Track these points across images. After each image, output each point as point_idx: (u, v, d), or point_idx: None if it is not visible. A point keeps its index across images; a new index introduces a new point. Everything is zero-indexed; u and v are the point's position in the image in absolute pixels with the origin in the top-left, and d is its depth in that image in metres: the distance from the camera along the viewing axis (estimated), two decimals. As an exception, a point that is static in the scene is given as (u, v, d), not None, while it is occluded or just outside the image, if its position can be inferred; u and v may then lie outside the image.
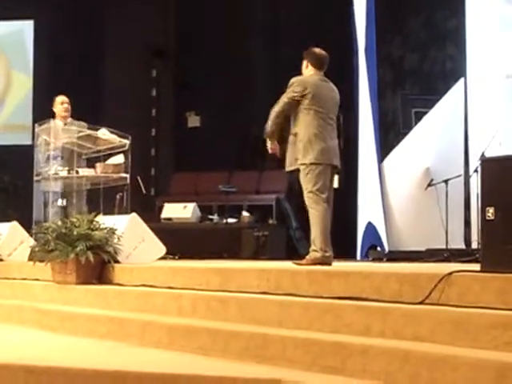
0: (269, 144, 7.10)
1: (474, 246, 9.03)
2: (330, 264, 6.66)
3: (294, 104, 6.96)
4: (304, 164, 6.91)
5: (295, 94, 6.94)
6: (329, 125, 7.05)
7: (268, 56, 13.89)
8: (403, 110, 11.62)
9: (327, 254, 6.73)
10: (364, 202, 10.92)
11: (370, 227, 10.67)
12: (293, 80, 7.03)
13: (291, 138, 7.02)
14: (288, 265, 6.61)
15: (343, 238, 10.85)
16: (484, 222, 4.48)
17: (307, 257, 6.76)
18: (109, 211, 8.67)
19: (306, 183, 6.87)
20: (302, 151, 6.91)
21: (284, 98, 7.00)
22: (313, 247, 6.76)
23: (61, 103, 9.06)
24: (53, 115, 9.03)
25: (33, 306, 6.82)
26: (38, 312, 6.60)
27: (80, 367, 4.58)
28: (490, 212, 4.40)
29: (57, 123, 8.83)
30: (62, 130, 8.49)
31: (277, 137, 7.09)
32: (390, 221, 10.48)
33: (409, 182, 10.45)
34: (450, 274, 4.37)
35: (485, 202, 4.49)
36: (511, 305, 4.05)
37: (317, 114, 6.96)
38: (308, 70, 7.12)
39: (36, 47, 15.65)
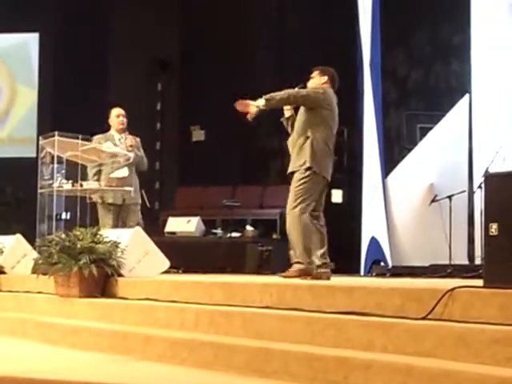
0: (255, 105, 6.93)
1: (478, 261, 9.02)
2: (311, 275, 6.65)
3: (314, 103, 6.97)
4: (309, 169, 6.90)
5: (320, 96, 6.97)
6: (333, 144, 7.11)
7: (273, 70, 13.93)
8: (408, 126, 11.64)
9: (311, 266, 6.72)
10: (368, 217, 10.92)
11: (374, 242, 10.67)
12: (321, 86, 7.07)
13: (301, 139, 6.97)
14: (292, 279, 6.62)
15: (347, 252, 10.86)
16: (487, 238, 4.48)
17: (290, 269, 6.76)
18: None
19: (300, 189, 6.86)
20: (311, 155, 6.89)
21: (310, 91, 7.03)
22: (295, 259, 6.77)
23: (116, 116, 8.99)
24: (108, 128, 9.03)
25: (36, 319, 6.81)
26: (41, 325, 6.60)
27: (83, 381, 4.58)
28: (494, 228, 4.41)
29: (113, 134, 8.93)
30: (68, 143, 8.49)
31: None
32: (394, 236, 10.48)
33: (413, 197, 10.45)
34: (453, 289, 4.37)
35: (488, 218, 4.49)
36: (514, 321, 4.05)
37: (331, 130, 7.06)
38: (325, 83, 7.17)
39: (41, 60, 15.71)
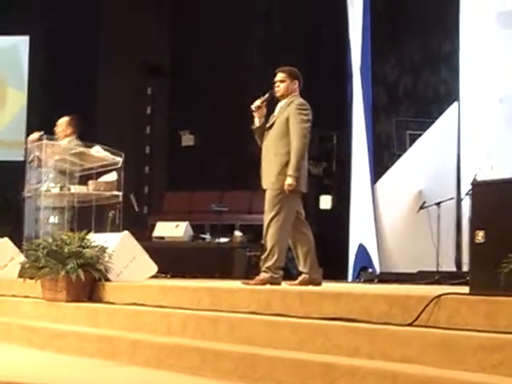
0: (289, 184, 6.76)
1: (466, 268, 9.05)
2: (279, 284, 6.66)
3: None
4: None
5: (310, 116, 6.86)
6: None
7: (263, 76, 13.92)
8: (397, 132, 11.67)
9: (276, 275, 6.73)
10: (356, 223, 10.94)
11: (362, 249, 10.69)
12: (304, 102, 6.89)
13: (282, 157, 6.82)
14: (280, 285, 6.64)
15: (335, 259, 10.87)
16: (473, 245, 4.50)
17: (257, 277, 6.75)
18: (100, 229, 8.67)
19: (281, 206, 6.79)
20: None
21: (304, 125, 6.81)
22: (264, 268, 6.76)
23: None
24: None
25: (22, 323, 6.78)
26: (27, 329, 6.57)
27: (68, 385, 4.57)
28: (480, 235, 4.42)
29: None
30: (56, 146, 8.48)
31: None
32: (382, 242, 10.50)
33: (401, 204, 10.48)
34: (439, 296, 4.38)
35: (474, 226, 4.51)
36: (499, 328, 4.06)
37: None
38: (295, 90, 6.98)
39: (31, 63, 15.68)
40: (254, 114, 7.04)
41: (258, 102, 7.01)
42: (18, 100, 15.80)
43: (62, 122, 9.04)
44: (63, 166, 8.58)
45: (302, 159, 6.82)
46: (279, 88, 7.00)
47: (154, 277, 7.54)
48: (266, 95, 7.03)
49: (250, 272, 11.05)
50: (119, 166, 8.72)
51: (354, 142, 11.09)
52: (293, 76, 7.01)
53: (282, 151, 6.83)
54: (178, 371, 4.98)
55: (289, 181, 6.72)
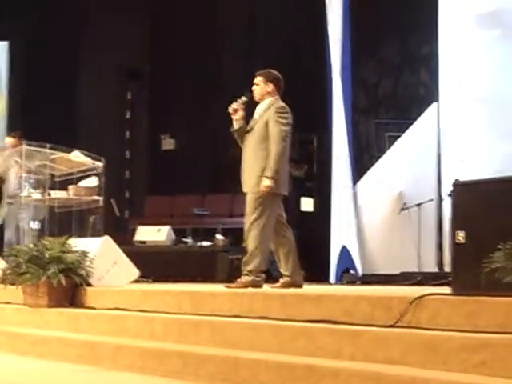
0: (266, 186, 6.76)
1: (447, 269, 9.07)
2: (261, 287, 6.67)
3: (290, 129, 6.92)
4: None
5: (290, 120, 6.89)
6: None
7: (243, 80, 13.92)
8: (377, 134, 11.69)
9: (258, 279, 6.74)
10: (337, 225, 10.93)
11: (344, 250, 10.68)
12: (283, 106, 6.92)
13: (262, 160, 6.82)
14: (262, 288, 6.64)
15: (317, 261, 10.87)
16: (454, 246, 4.51)
17: (239, 280, 6.76)
18: (81, 234, 8.65)
19: (262, 209, 6.79)
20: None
21: (283, 128, 6.83)
22: (245, 271, 6.77)
23: None
24: None
25: (4, 329, 6.76)
26: (10, 335, 6.55)
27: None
28: (460, 236, 4.44)
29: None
30: (36, 152, 8.46)
31: None
32: (364, 244, 10.50)
33: (382, 205, 10.48)
34: (421, 297, 4.40)
35: (455, 226, 4.52)
36: (481, 328, 4.08)
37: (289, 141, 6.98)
38: (272, 93, 6.99)
39: (10, 68, 15.59)
40: (232, 116, 7.06)
41: (234, 105, 7.04)
42: (-3, 105, 15.70)
43: (12, 141, 9.08)
44: (43, 171, 8.56)
45: (281, 162, 6.82)
46: (255, 91, 7.06)
47: (135, 281, 7.53)
48: (243, 98, 7.06)
49: (232, 275, 11.03)
50: (99, 170, 8.71)
51: (335, 145, 11.08)
52: (268, 79, 7.03)
53: (262, 155, 6.85)
54: (161, 375, 4.98)
55: (266, 182, 6.72)
